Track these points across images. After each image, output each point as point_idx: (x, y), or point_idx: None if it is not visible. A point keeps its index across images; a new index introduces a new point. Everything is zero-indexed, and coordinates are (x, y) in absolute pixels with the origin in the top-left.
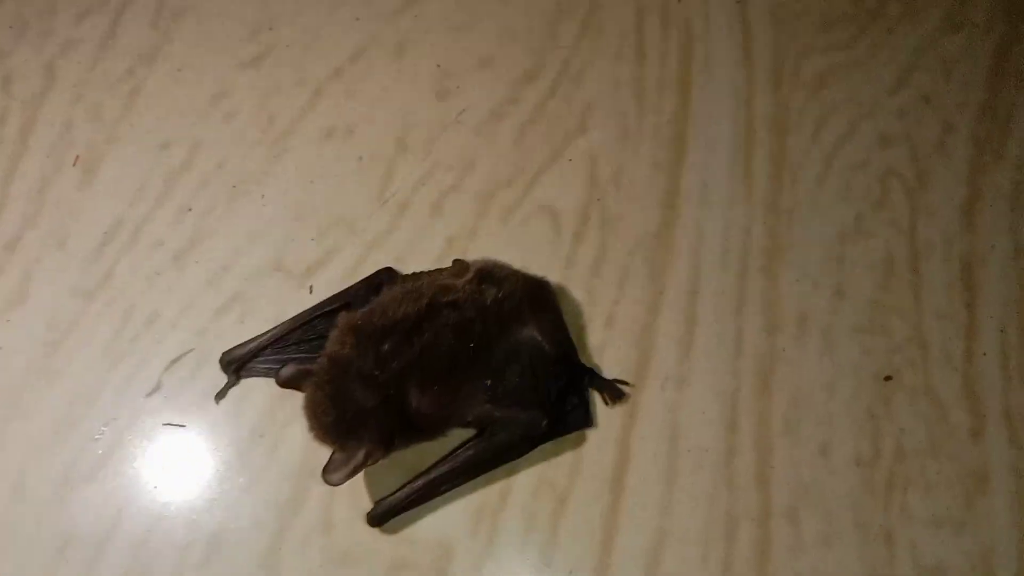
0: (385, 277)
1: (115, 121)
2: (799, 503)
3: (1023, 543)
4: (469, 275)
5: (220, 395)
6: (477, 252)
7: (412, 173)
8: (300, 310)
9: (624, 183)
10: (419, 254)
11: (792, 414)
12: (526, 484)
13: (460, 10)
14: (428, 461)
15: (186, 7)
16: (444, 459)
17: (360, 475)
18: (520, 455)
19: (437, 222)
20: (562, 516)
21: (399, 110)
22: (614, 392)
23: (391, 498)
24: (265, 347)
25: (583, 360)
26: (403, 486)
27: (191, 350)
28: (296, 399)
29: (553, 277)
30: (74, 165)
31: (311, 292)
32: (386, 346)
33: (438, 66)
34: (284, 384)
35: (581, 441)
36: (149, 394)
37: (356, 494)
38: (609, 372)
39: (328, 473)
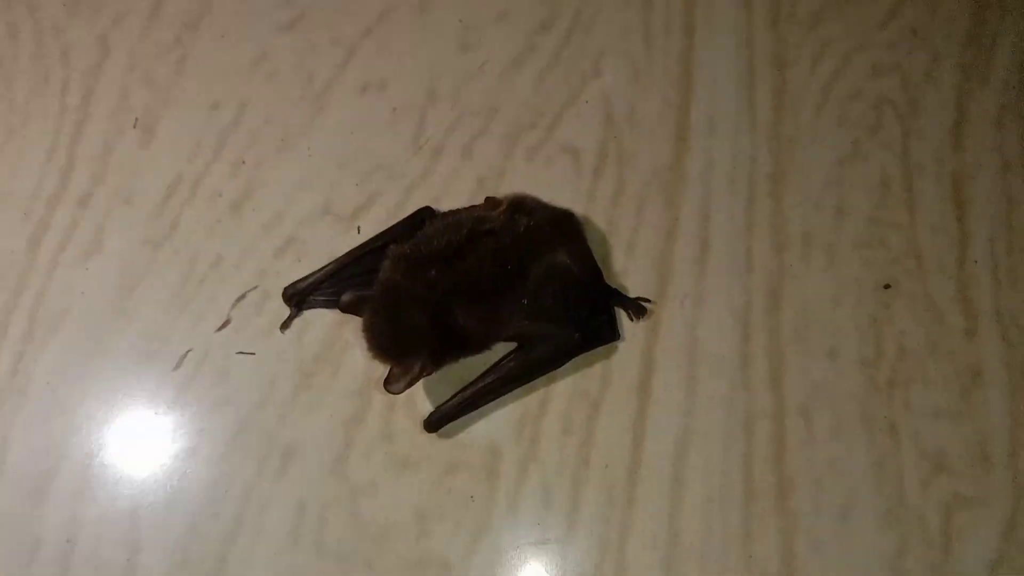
0: (425, 215)
1: (168, 86)
2: (810, 401)
3: (1015, 429)
4: (503, 207)
5: (284, 325)
6: (506, 190)
7: (442, 120)
8: (350, 248)
9: (637, 120)
10: (453, 194)
11: (800, 323)
12: (563, 393)
13: None
14: (475, 374)
15: None
16: (489, 371)
17: (415, 388)
18: (556, 367)
19: (468, 164)
20: (596, 420)
21: (427, 63)
22: (638, 309)
23: (444, 407)
24: (322, 281)
25: (608, 282)
26: (454, 396)
27: (255, 287)
28: (352, 328)
29: (577, 209)
30: (134, 127)
31: (359, 232)
32: (433, 272)
33: (460, 21)
34: (345, 309)
35: (610, 354)
36: (219, 328)
37: (412, 406)
38: (632, 292)
39: (389, 384)
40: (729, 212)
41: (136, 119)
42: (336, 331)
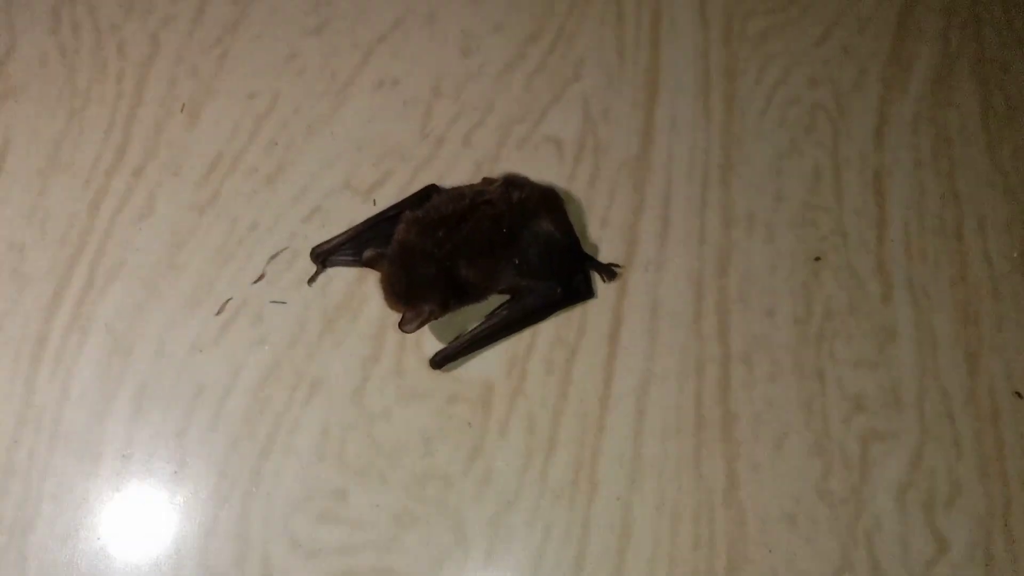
0: (431, 190)
1: (210, 77)
2: (751, 350)
3: (922, 377)
4: (498, 182)
5: (311, 280)
6: (499, 173)
7: (446, 113)
8: (367, 217)
9: (611, 118)
10: (455, 175)
11: (744, 287)
12: (545, 340)
13: None
14: (474, 321)
15: None
16: (486, 319)
17: (422, 331)
18: (541, 319)
19: (467, 151)
20: (573, 363)
21: (433, 65)
22: (609, 273)
23: (447, 348)
24: (343, 243)
25: (585, 249)
26: (455, 339)
27: (286, 248)
28: (369, 283)
29: (560, 191)
30: (181, 112)
31: (375, 204)
32: (441, 232)
33: (462, 30)
34: (366, 263)
35: (586, 309)
36: (255, 281)
37: (420, 347)
38: (605, 258)
39: (403, 325)
40: (686, 195)
41: (183, 104)
42: (355, 285)
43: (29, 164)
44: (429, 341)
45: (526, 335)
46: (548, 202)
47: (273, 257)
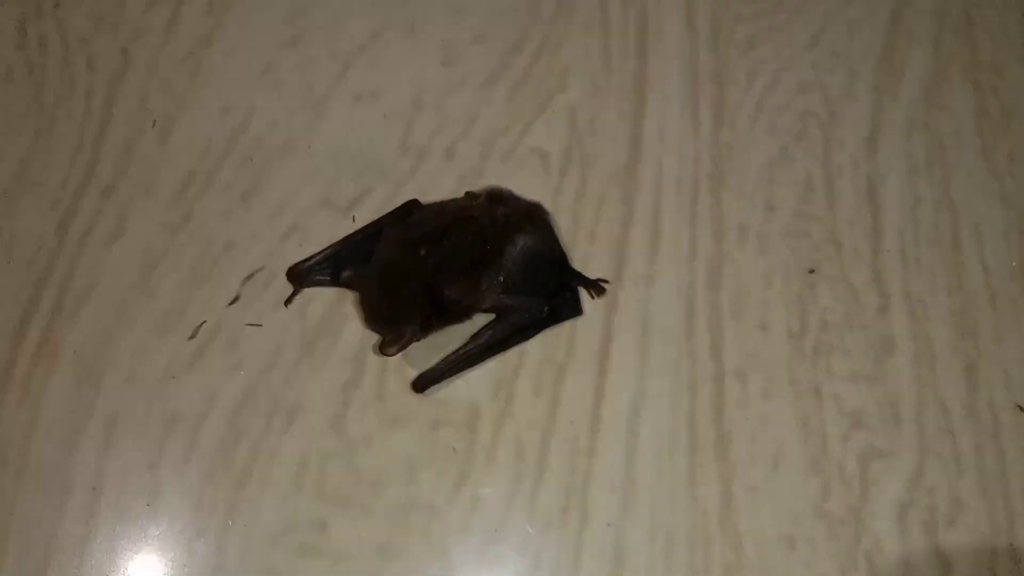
0: (412, 206)
1: (183, 92)
2: (745, 367)
3: (921, 392)
4: (482, 198)
5: (288, 301)
6: (483, 187)
7: (427, 126)
8: (346, 234)
9: (597, 129)
10: (437, 190)
11: (737, 301)
12: (533, 359)
13: None
14: (458, 341)
15: (231, 0)
16: (471, 339)
17: (405, 353)
18: (528, 338)
19: (450, 165)
20: (562, 383)
21: (413, 77)
22: (598, 289)
23: (430, 371)
24: (321, 262)
25: (573, 264)
26: (439, 361)
27: (262, 268)
28: (348, 303)
29: (546, 204)
30: (152, 128)
31: (354, 220)
32: (422, 250)
33: (442, 40)
34: (345, 284)
35: (574, 327)
36: (230, 303)
37: (402, 370)
38: (593, 273)
39: (384, 348)
40: (676, 207)
41: (154, 121)
42: (335, 306)
43: None
44: (411, 363)
45: (512, 355)
46: (533, 217)
47: (248, 278)
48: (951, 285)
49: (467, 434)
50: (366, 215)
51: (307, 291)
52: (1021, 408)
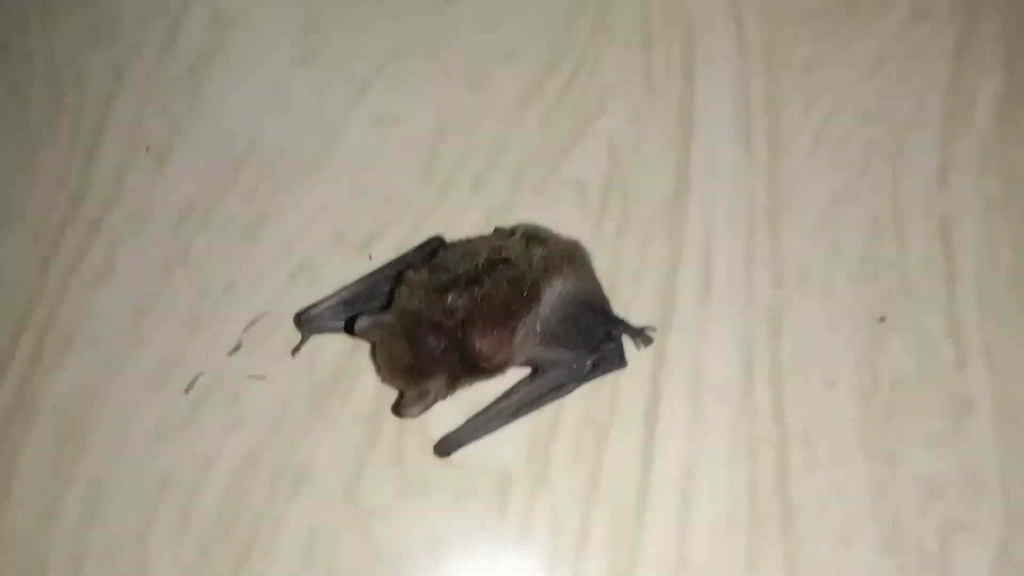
0: (436, 243)
1: (181, 115)
2: (811, 429)
3: (1005, 456)
4: (517, 236)
5: (296, 350)
6: (513, 222)
7: (452, 155)
8: (362, 275)
9: (641, 158)
10: (463, 225)
11: (800, 353)
12: (572, 420)
13: (486, 9)
14: (487, 399)
15: (237, 13)
16: (502, 396)
17: (427, 413)
18: (567, 393)
19: (477, 196)
20: (605, 446)
21: (437, 99)
22: (644, 338)
23: (456, 432)
24: (335, 306)
25: (615, 311)
26: (466, 422)
27: (267, 313)
28: (363, 353)
29: (584, 241)
30: (147, 154)
31: (371, 259)
32: (450, 298)
33: (470, 60)
34: (361, 334)
35: (617, 382)
36: (231, 352)
37: (423, 431)
38: (638, 321)
39: (404, 408)
40: (730, 246)
41: (148, 146)
42: (348, 356)
43: None
44: (434, 423)
45: (548, 414)
46: (573, 259)
47: (252, 323)
48: None
49: (497, 505)
50: (384, 253)
51: (317, 339)
52: None
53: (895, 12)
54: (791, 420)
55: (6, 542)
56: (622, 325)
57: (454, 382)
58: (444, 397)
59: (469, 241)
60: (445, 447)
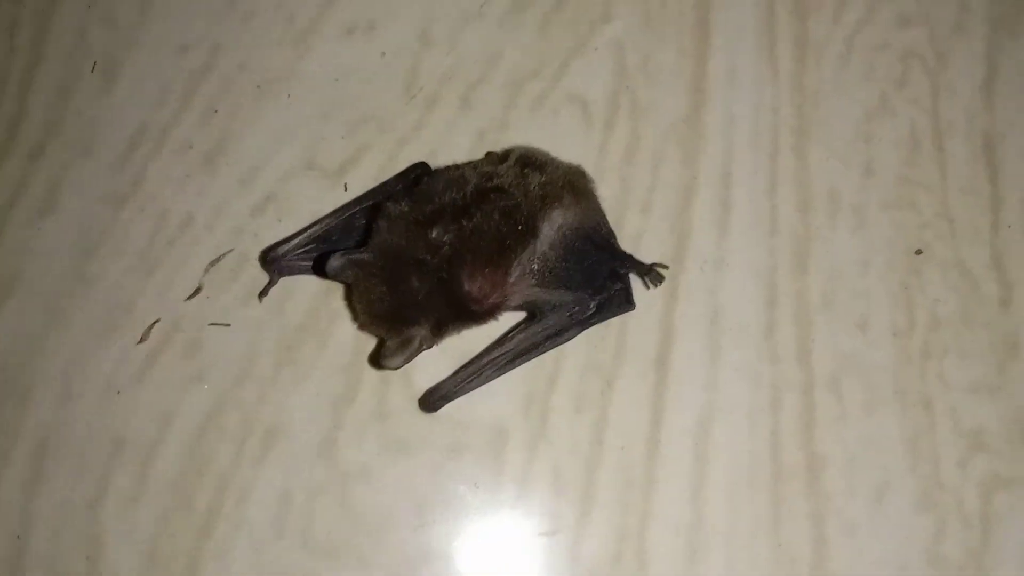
0: (420, 170)
1: (131, 26)
2: (840, 374)
3: None
4: (510, 161)
5: (263, 293)
6: (507, 144)
7: (438, 67)
8: (336, 207)
9: (652, 70)
10: (450, 148)
11: (828, 289)
12: (573, 368)
13: None
14: (478, 347)
15: None
16: (495, 344)
17: (411, 363)
18: (568, 339)
19: (466, 115)
20: (610, 396)
21: (420, 3)
22: (654, 276)
23: (443, 384)
24: (305, 244)
25: (622, 246)
26: (455, 373)
27: (230, 251)
28: (339, 296)
29: (587, 166)
30: (92, 72)
31: (346, 189)
32: (435, 232)
33: None
34: (335, 274)
35: (624, 325)
36: (190, 297)
37: (408, 383)
38: (648, 257)
39: (385, 358)
40: (751, 169)
41: (95, 63)
42: (322, 299)
43: None
44: (419, 375)
45: (547, 361)
46: (575, 187)
47: (213, 263)
48: None
49: (491, 464)
50: (361, 182)
51: (286, 281)
52: None
53: None
54: (818, 364)
55: None
56: (630, 262)
57: (440, 329)
58: (430, 346)
59: (456, 167)
60: (432, 401)
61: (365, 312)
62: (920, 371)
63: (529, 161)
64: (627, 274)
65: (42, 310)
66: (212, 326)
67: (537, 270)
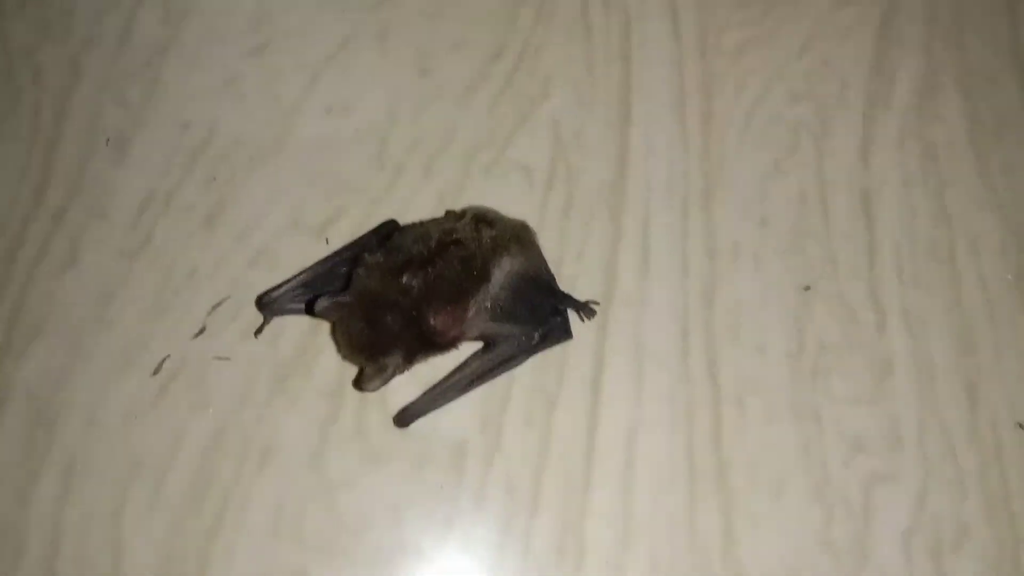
0: (391, 227)
1: (139, 106)
2: (743, 391)
3: (922, 413)
4: (467, 218)
5: (258, 331)
6: (465, 203)
7: (403, 140)
8: (320, 258)
9: (583, 141)
10: (415, 208)
11: (732, 321)
12: (522, 390)
13: (431, 0)
14: (442, 373)
15: (190, 4)
16: (456, 369)
17: (385, 387)
18: (517, 364)
19: (429, 180)
20: (553, 413)
21: (387, 87)
22: (588, 311)
23: (413, 404)
24: (293, 289)
25: (561, 286)
26: (423, 394)
27: (228, 297)
28: (324, 333)
29: (531, 222)
30: (107, 146)
31: (327, 243)
32: (405, 278)
33: (417, 49)
34: (320, 314)
35: (564, 353)
36: (196, 335)
37: (383, 404)
38: (582, 295)
39: (364, 383)
40: (666, 223)
41: (108, 138)
42: (309, 336)
43: None
44: (393, 397)
45: (500, 385)
46: (520, 239)
47: (215, 307)
48: (949, 301)
49: (454, 471)
50: (340, 237)
51: (278, 321)
52: (1022, 426)
53: None
54: (724, 383)
55: None
56: (567, 300)
57: (411, 357)
58: (402, 371)
59: (421, 224)
60: (404, 418)
61: (347, 345)
62: (810, 387)
63: (482, 218)
64: (565, 310)
65: (67, 349)
66: (215, 360)
67: (490, 307)
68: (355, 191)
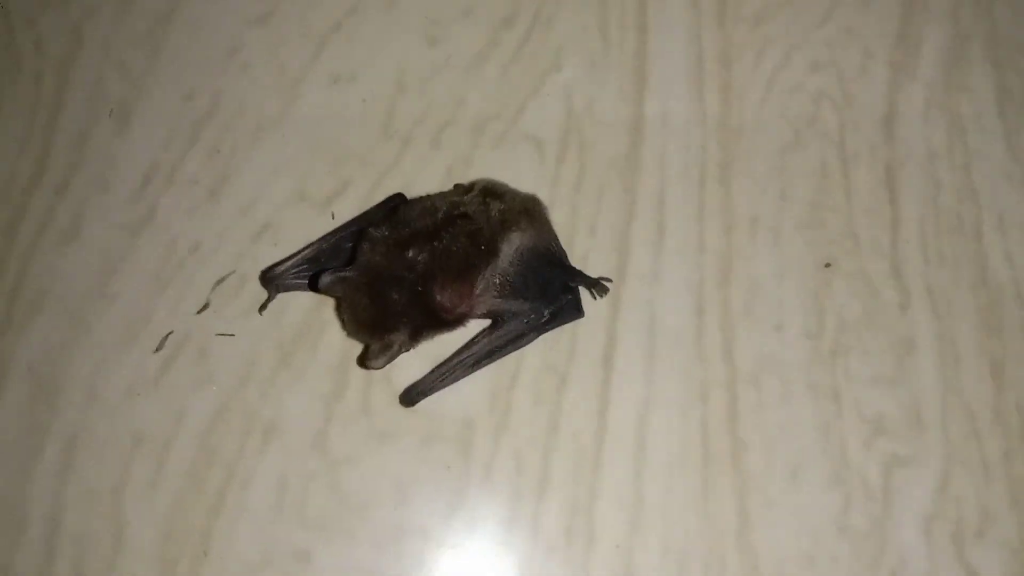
0: (398, 200)
1: (141, 75)
2: (760, 370)
3: (945, 394)
4: (475, 192)
5: (263, 307)
6: (473, 177)
7: (411, 111)
8: (325, 232)
9: (596, 112)
10: (423, 181)
11: (749, 298)
12: (531, 367)
13: None
14: (449, 350)
15: None
16: (464, 347)
17: (391, 364)
18: (527, 342)
19: (437, 152)
20: (564, 392)
21: (395, 56)
22: (600, 288)
23: (420, 382)
24: (298, 264)
25: (572, 262)
26: (430, 372)
27: (232, 272)
28: (329, 308)
29: (541, 195)
30: (109, 117)
31: (333, 217)
32: (411, 253)
33: (426, 16)
34: (324, 289)
35: (575, 331)
36: (198, 311)
37: (389, 382)
38: (594, 272)
39: (369, 360)
40: (682, 197)
41: (111, 109)
42: (313, 312)
43: None
44: (399, 374)
45: (509, 362)
46: (530, 213)
47: (219, 282)
48: (974, 279)
49: (461, 450)
50: (346, 211)
51: (283, 296)
52: None
53: None
54: (741, 363)
55: None
56: (579, 276)
57: (417, 334)
58: (408, 349)
59: (429, 197)
60: (410, 397)
61: (352, 321)
62: (829, 367)
63: (491, 191)
64: (577, 287)
65: (69, 323)
66: (218, 336)
67: (499, 284)
68: (362, 163)
